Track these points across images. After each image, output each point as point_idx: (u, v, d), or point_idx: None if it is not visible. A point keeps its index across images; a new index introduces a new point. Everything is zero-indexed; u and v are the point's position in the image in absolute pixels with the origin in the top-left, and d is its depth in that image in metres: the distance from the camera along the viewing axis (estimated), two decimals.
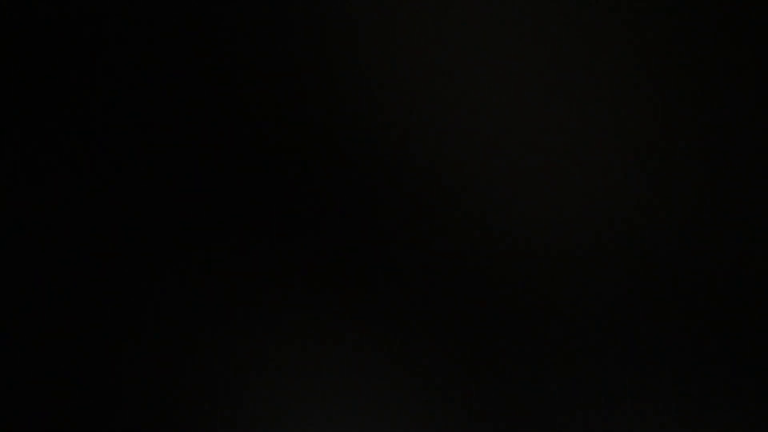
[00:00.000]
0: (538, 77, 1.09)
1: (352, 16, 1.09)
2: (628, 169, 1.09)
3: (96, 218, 1.10)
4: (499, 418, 1.09)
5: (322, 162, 1.10)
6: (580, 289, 1.09)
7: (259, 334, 1.10)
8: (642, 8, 1.09)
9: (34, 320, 1.10)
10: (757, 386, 1.08)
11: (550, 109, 1.09)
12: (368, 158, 1.10)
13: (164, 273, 1.10)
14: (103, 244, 1.10)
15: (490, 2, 1.09)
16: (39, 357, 1.10)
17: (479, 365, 1.09)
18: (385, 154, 1.10)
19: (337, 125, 1.10)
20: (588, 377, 1.09)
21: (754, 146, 1.08)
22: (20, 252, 1.10)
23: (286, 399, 1.10)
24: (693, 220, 1.09)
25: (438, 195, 1.09)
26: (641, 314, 1.09)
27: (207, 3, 1.10)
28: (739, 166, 1.08)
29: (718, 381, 1.08)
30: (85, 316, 1.10)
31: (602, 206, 1.09)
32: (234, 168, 1.10)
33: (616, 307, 1.09)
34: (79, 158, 1.10)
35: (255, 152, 1.10)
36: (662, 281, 1.08)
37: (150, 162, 1.10)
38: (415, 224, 1.09)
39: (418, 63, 1.10)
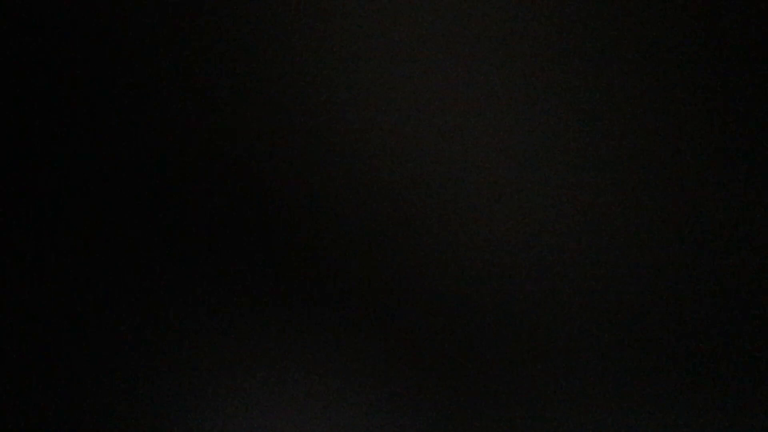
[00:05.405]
0: (533, 79, 1.09)
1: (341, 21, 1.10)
2: (626, 169, 1.09)
3: (94, 218, 1.11)
4: (494, 420, 1.09)
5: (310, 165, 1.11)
6: (576, 293, 1.09)
7: (252, 336, 1.11)
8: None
9: (33, 322, 1.10)
10: (757, 387, 1.07)
11: (541, 110, 1.09)
12: (353, 156, 1.10)
13: (160, 279, 1.11)
14: (101, 244, 1.11)
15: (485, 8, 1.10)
16: (38, 358, 1.10)
17: (472, 367, 1.09)
18: (374, 157, 1.10)
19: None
20: (585, 382, 1.09)
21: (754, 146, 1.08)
22: (19, 257, 1.11)
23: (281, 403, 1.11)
24: (689, 221, 1.08)
25: (427, 198, 1.10)
26: (639, 316, 1.09)
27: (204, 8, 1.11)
28: (738, 167, 1.08)
29: (718, 381, 1.08)
30: (83, 316, 1.11)
31: (600, 207, 1.09)
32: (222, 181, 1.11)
33: (612, 309, 1.09)
34: (76, 159, 1.11)
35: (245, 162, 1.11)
36: (659, 282, 1.08)
37: (148, 166, 1.11)
38: (408, 225, 1.10)
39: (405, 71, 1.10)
